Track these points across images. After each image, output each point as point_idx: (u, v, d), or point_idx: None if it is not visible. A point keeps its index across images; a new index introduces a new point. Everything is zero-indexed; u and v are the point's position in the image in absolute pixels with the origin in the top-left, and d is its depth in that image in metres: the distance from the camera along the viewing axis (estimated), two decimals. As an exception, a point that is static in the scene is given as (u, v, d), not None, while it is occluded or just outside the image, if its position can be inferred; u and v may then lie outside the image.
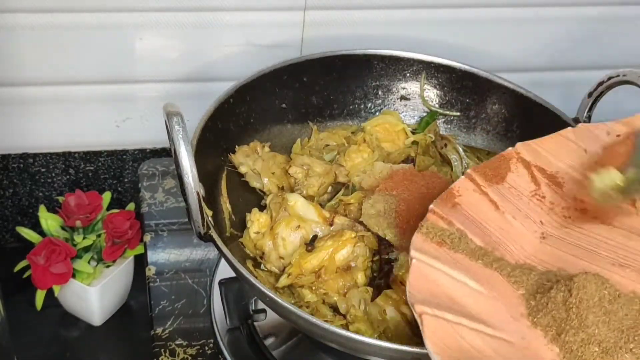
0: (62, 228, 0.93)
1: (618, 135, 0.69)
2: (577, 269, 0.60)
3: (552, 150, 0.69)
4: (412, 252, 0.58)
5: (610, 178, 0.62)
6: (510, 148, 0.69)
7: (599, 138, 0.69)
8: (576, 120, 0.83)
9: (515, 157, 0.68)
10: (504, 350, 0.53)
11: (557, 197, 0.66)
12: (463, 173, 0.81)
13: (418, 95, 0.89)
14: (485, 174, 0.66)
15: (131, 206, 0.97)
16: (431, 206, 0.63)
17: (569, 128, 0.72)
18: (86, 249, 0.92)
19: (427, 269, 0.57)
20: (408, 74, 0.88)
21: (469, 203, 0.64)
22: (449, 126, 0.90)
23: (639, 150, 0.64)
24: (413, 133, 0.87)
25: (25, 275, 0.90)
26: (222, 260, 0.84)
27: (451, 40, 0.99)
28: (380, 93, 0.88)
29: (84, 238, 0.91)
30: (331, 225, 0.73)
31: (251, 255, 0.74)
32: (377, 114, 0.89)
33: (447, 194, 0.64)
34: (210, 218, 0.66)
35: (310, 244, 0.71)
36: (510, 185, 0.66)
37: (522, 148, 0.68)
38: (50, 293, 0.90)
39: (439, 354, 0.50)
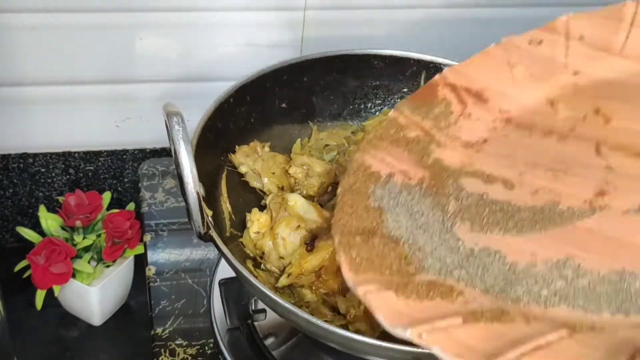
0: (62, 228, 0.93)
1: (540, 42, 0.69)
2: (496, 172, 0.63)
3: (476, 69, 0.70)
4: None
5: None
6: (437, 75, 0.69)
7: (521, 48, 0.69)
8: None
9: (442, 82, 0.69)
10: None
11: (483, 112, 0.68)
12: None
13: (418, 95, 0.89)
14: (415, 105, 0.67)
15: (131, 206, 0.97)
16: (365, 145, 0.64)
17: (493, 44, 0.72)
18: (86, 249, 0.92)
19: None
20: (408, 74, 0.88)
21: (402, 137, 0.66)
22: (449, 126, 0.90)
23: None
24: (413, 133, 0.87)
25: (25, 275, 0.90)
26: (222, 260, 0.83)
27: (451, 40, 0.99)
28: (380, 93, 0.88)
29: (84, 238, 0.91)
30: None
31: (251, 255, 0.74)
32: (377, 114, 0.89)
33: (376, 134, 0.66)
34: (210, 218, 0.66)
35: (310, 244, 0.71)
36: (439, 111, 0.68)
37: (449, 72, 0.69)
38: (50, 293, 0.89)
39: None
